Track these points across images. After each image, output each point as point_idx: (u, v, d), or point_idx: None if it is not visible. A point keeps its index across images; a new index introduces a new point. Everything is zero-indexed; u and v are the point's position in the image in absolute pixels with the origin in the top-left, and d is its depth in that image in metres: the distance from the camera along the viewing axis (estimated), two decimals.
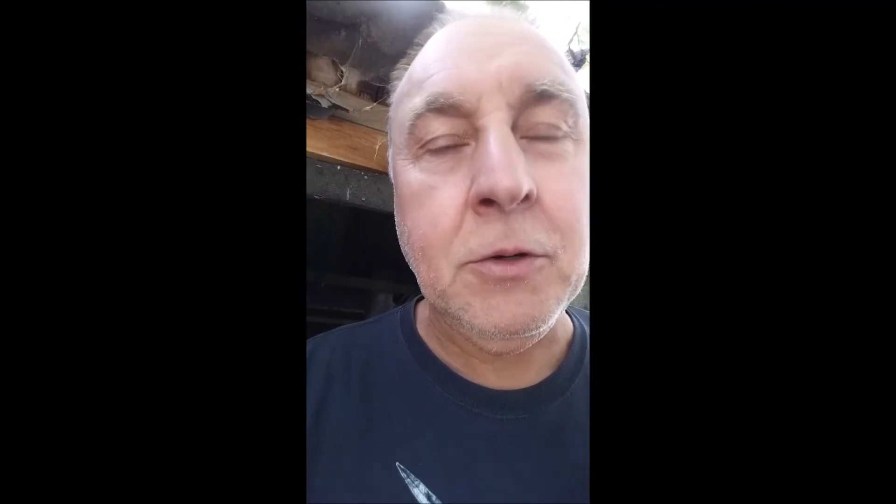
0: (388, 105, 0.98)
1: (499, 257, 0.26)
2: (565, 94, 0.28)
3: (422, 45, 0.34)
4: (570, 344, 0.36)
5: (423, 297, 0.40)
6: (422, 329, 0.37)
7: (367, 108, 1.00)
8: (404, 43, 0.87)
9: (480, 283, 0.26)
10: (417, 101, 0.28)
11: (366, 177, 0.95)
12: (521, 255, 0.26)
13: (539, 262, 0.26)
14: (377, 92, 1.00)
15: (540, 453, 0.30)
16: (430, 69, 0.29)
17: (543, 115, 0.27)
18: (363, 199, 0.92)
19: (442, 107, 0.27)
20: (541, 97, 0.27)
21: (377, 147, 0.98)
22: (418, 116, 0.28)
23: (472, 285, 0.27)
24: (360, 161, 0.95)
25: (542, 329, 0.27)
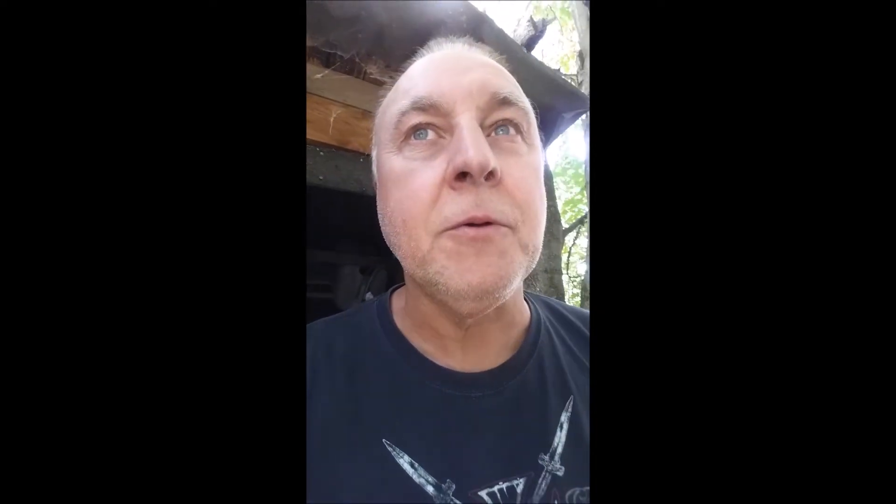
0: (342, 73, 0.91)
1: (469, 225, 0.31)
2: (521, 104, 0.35)
3: (403, 72, 0.40)
4: (528, 329, 0.41)
5: (397, 288, 0.44)
6: (398, 319, 0.41)
7: (319, 75, 0.92)
8: (356, 5, 0.79)
9: (455, 246, 0.31)
10: (404, 103, 0.34)
11: (322, 153, 0.89)
12: (488, 224, 0.31)
13: (503, 230, 0.31)
14: (328, 58, 0.92)
15: (501, 421, 0.36)
16: (414, 81, 0.36)
17: (505, 114, 0.34)
18: (320, 177, 0.87)
19: (424, 106, 0.33)
20: (503, 102, 0.34)
21: (332, 119, 0.92)
22: (403, 114, 0.34)
23: (447, 249, 0.31)
24: (314, 135, 0.88)
25: (506, 292, 0.32)
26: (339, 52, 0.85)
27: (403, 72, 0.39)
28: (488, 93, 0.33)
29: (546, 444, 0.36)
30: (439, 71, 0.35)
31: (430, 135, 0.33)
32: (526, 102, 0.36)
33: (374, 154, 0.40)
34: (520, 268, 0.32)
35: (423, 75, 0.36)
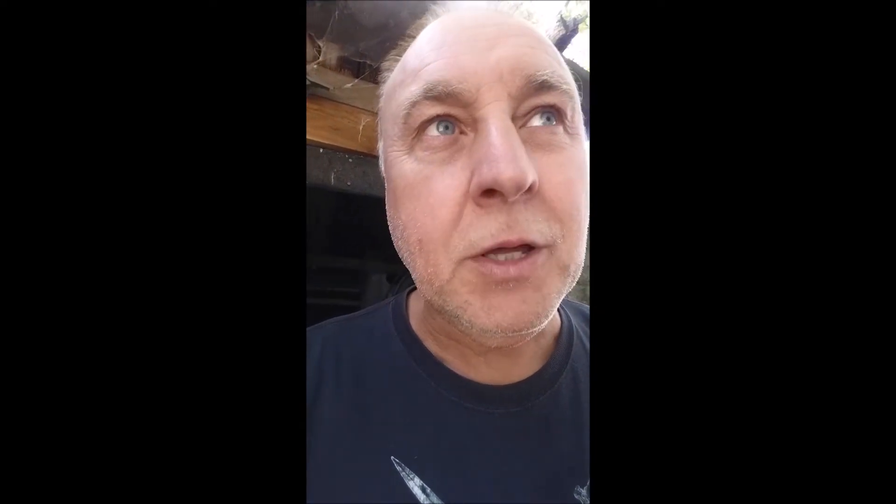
0: (371, 83, 0.93)
1: (499, 251, 0.25)
2: (564, 86, 0.27)
3: (414, 37, 0.32)
4: (558, 337, 0.37)
5: (414, 289, 0.39)
6: (415, 323, 0.37)
7: (348, 85, 0.94)
8: (384, 14, 0.81)
9: (481, 283, 0.26)
10: (414, 89, 0.27)
11: (350, 159, 0.90)
12: (523, 248, 0.25)
13: (540, 257, 0.26)
14: (358, 68, 0.94)
15: (529, 444, 0.31)
16: (425, 58, 0.28)
17: (545, 100, 0.27)
18: (348, 183, 0.88)
19: (440, 95, 0.26)
20: (541, 87, 0.26)
21: (361, 127, 0.93)
22: (414, 105, 0.27)
23: (470, 283, 0.26)
24: (343, 143, 0.90)
25: (542, 325, 0.27)
26: (368, 62, 0.87)
27: (410, 38, 0.31)
28: (523, 75, 0.26)
29: (583, 475, 0.31)
30: (457, 44, 0.27)
31: (449, 129, 0.27)
32: (571, 82, 0.28)
33: (380, 147, 0.33)
34: (559, 296, 0.27)
35: (437, 50, 0.27)
